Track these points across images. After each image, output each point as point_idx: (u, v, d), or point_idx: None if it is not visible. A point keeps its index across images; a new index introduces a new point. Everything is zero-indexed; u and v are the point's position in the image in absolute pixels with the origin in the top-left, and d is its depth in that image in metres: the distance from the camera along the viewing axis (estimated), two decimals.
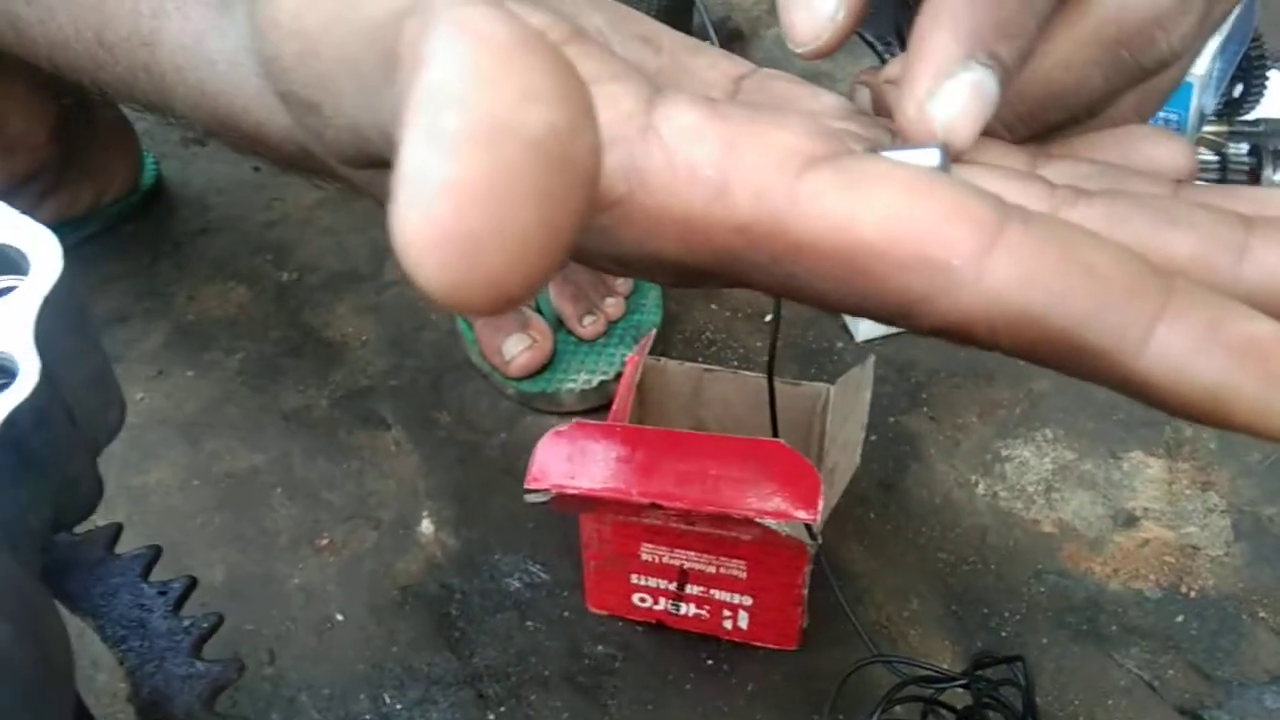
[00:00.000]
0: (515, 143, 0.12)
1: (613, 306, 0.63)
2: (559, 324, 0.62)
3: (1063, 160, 0.21)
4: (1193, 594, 0.53)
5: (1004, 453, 0.59)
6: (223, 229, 0.73)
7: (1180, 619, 0.52)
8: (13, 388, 0.22)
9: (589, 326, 0.62)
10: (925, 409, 0.61)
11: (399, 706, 0.48)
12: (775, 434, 0.47)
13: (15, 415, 0.21)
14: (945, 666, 0.49)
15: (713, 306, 0.67)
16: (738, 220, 0.16)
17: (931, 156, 0.19)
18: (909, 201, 0.15)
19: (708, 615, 0.49)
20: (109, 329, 0.66)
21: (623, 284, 0.64)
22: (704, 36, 0.28)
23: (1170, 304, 0.15)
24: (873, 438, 0.59)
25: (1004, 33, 0.18)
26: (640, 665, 0.50)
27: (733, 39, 0.85)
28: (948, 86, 0.18)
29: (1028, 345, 0.15)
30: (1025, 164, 0.21)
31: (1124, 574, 0.54)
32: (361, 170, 0.19)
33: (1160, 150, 0.21)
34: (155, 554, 0.33)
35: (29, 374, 0.22)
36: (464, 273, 0.12)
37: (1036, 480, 0.58)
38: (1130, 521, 0.55)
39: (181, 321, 0.67)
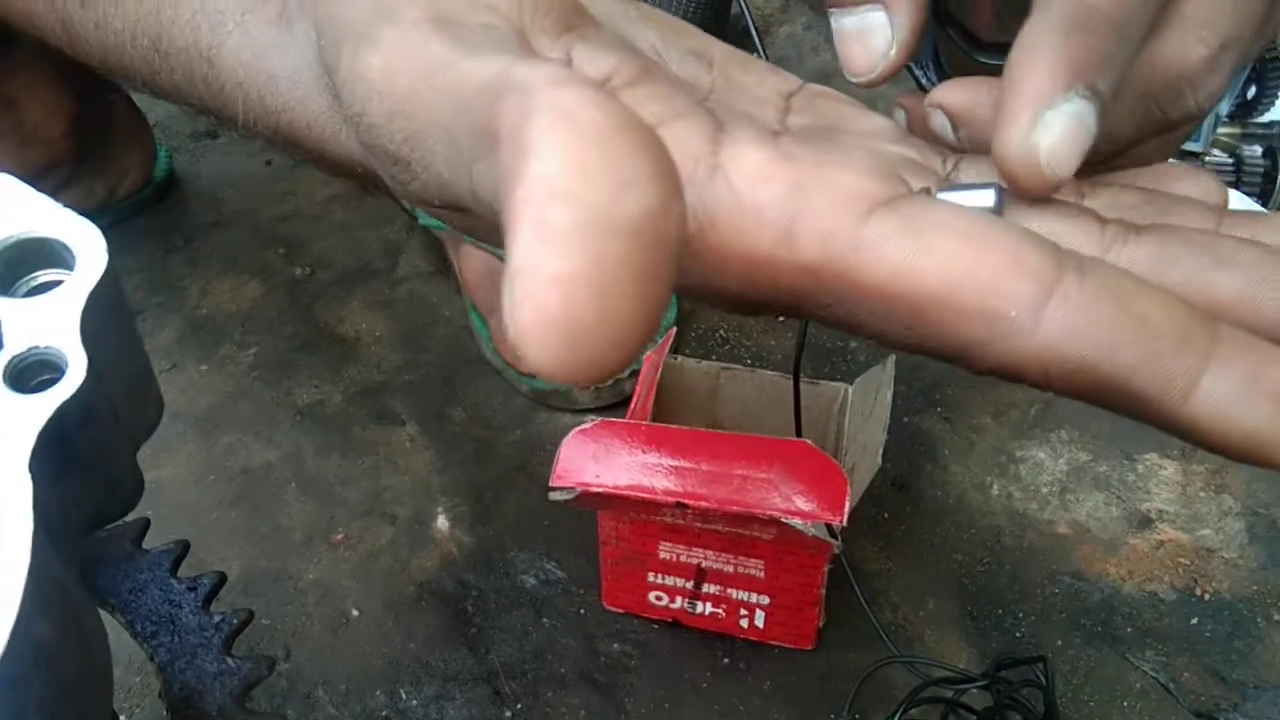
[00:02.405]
0: (618, 233, 0.13)
1: None
2: None
3: (1109, 189, 0.21)
4: (1208, 596, 0.53)
5: (1018, 454, 0.59)
6: (235, 223, 0.73)
7: (1195, 621, 0.52)
8: (61, 383, 0.22)
9: None
10: (939, 409, 0.61)
11: (415, 703, 0.48)
12: (799, 434, 0.47)
13: (63, 411, 0.21)
14: (962, 667, 0.49)
15: None
16: (803, 262, 0.17)
17: (986, 198, 0.19)
18: (969, 251, 0.16)
19: (724, 614, 0.49)
20: None
21: None
22: (742, 35, 0.29)
23: (1216, 352, 0.15)
24: (886, 437, 0.59)
25: (1101, 65, 0.19)
26: (656, 663, 0.50)
27: (745, 36, 0.85)
28: (1049, 118, 0.18)
29: (1079, 389, 0.16)
30: (1073, 194, 0.21)
31: (1139, 576, 0.54)
32: (440, 210, 0.19)
33: (1195, 189, 0.21)
34: (184, 549, 0.33)
35: (77, 369, 0.22)
36: (572, 356, 0.13)
37: (1051, 482, 0.58)
38: (1145, 524, 0.56)
39: (194, 316, 0.67)
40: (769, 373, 0.52)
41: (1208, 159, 0.69)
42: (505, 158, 0.14)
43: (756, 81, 0.23)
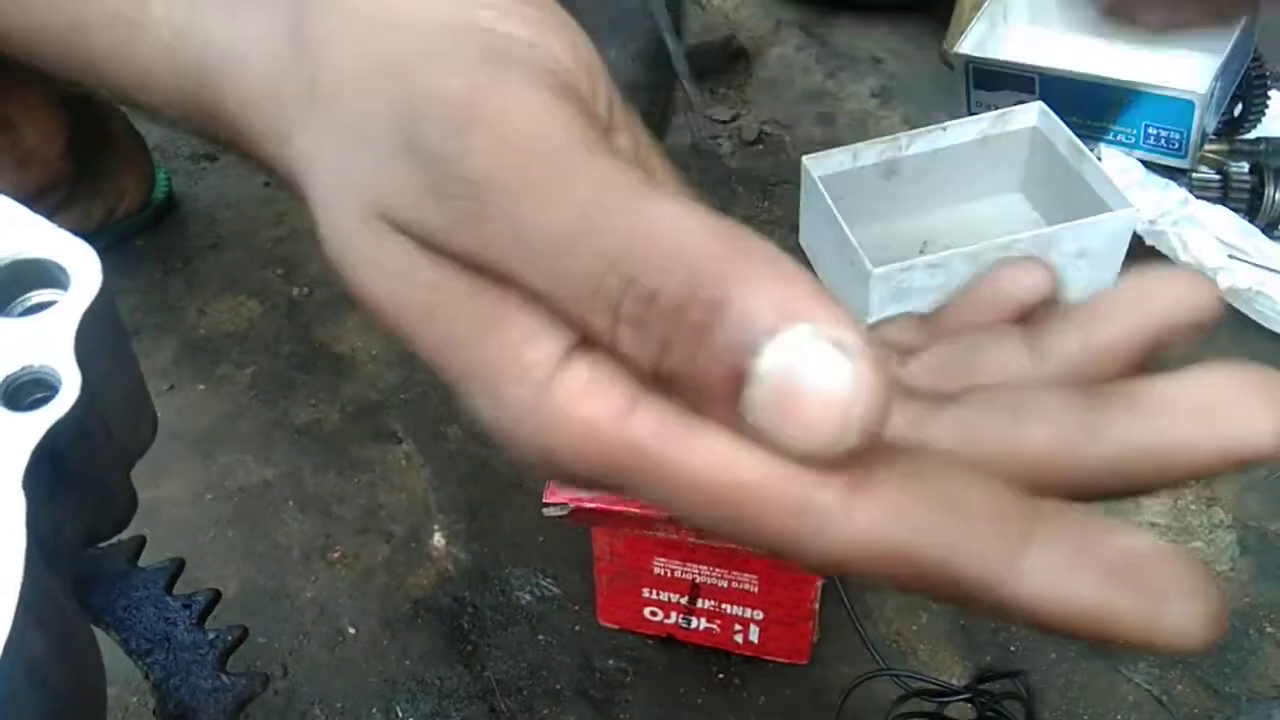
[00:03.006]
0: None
1: None
2: None
3: (919, 356, 0.21)
4: None
5: None
6: (233, 244, 0.74)
7: None
8: (54, 402, 0.22)
9: None
10: None
11: None
12: None
13: (57, 429, 0.22)
14: (952, 680, 0.49)
15: None
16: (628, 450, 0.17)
17: None
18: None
19: (719, 629, 0.49)
20: None
21: None
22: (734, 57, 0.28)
23: (1038, 529, 0.15)
24: None
25: None
26: (652, 679, 0.50)
27: (736, 58, 0.86)
28: None
29: (905, 582, 0.16)
30: (899, 354, 0.21)
31: None
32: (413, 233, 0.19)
33: (1022, 280, 0.21)
34: (179, 567, 0.33)
35: (70, 388, 0.22)
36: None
37: None
38: None
39: (192, 336, 0.67)
40: None
41: (1195, 175, 0.70)
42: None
43: None
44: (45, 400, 0.22)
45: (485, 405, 0.18)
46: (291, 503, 0.58)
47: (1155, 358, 0.19)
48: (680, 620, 0.50)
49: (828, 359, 0.15)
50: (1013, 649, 0.51)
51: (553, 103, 0.18)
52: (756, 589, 0.47)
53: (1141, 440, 0.17)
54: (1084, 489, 0.17)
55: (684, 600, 0.48)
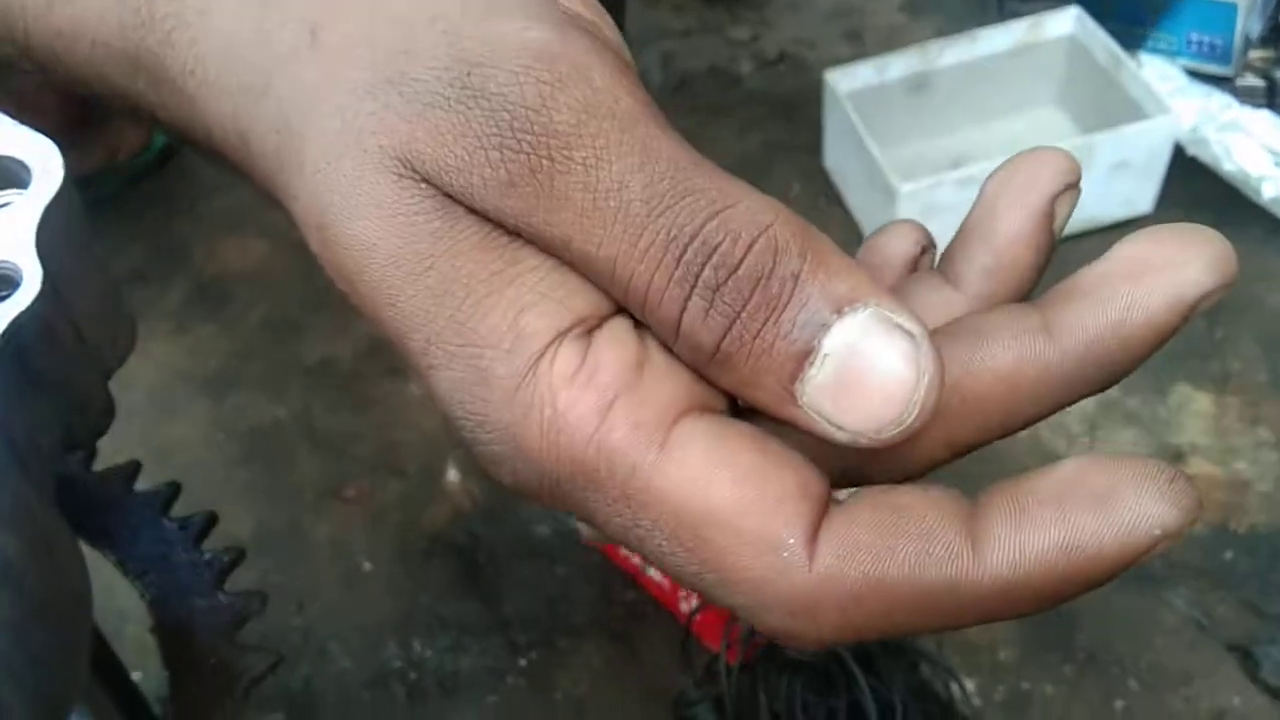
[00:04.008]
0: None
1: None
2: None
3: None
4: (1242, 530, 0.51)
5: None
6: (238, 185, 0.72)
7: (1229, 555, 0.50)
8: (15, 296, 0.21)
9: None
10: None
11: (429, 654, 0.48)
12: None
13: (19, 324, 0.20)
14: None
15: None
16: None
17: None
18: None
19: None
20: (128, 287, 0.66)
21: None
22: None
23: (977, 508, 0.16)
24: None
25: None
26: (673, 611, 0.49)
27: None
28: None
29: (868, 623, 0.16)
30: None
31: None
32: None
33: (905, 236, 0.21)
34: (174, 490, 0.32)
35: (31, 282, 0.21)
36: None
37: (1080, 418, 0.56)
38: (1177, 458, 0.54)
39: (201, 278, 0.66)
40: None
41: (1239, 82, 0.66)
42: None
43: None
44: (5, 296, 0.21)
45: (460, 379, 0.17)
46: (304, 441, 0.57)
47: (1057, 234, 0.19)
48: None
49: (895, 340, 0.15)
50: None
51: (623, 71, 0.17)
52: None
53: (1094, 321, 0.17)
54: (1065, 391, 0.17)
55: None
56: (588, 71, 0.17)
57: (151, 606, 0.29)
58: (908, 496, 0.16)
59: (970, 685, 0.46)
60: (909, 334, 0.15)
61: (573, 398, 0.16)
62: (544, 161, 0.16)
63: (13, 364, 0.21)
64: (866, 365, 0.15)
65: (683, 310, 0.16)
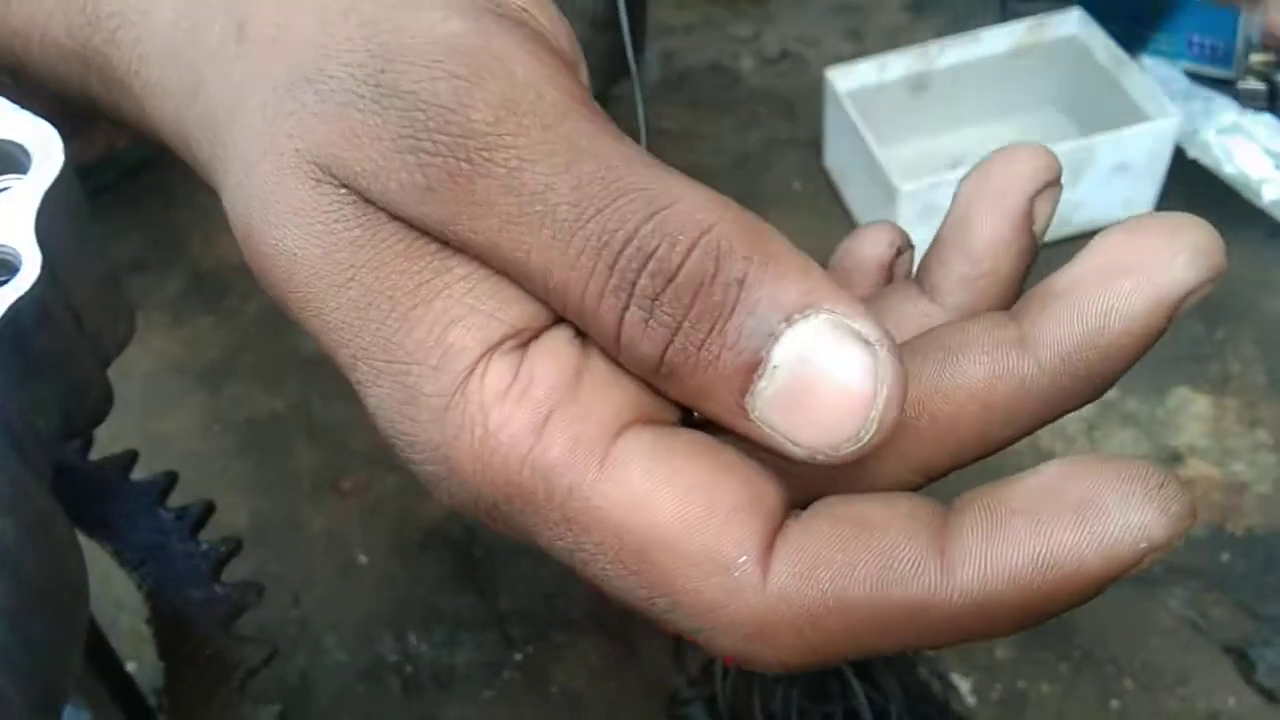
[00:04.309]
0: None
1: None
2: None
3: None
4: (1239, 532, 0.51)
5: None
6: None
7: (1226, 557, 0.50)
8: (14, 281, 0.21)
9: None
10: None
11: (424, 647, 0.48)
12: None
13: (18, 308, 0.20)
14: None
15: None
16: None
17: None
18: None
19: None
20: (126, 277, 0.65)
21: None
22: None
23: (948, 521, 0.14)
24: None
25: None
26: None
27: None
28: None
29: (830, 643, 0.15)
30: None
31: None
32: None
33: (878, 239, 0.20)
34: (171, 480, 0.32)
35: (31, 267, 0.21)
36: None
37: (1078, 419, 0.56)
38: (1175, 459, 0.54)
39: (198, 269, 0.66)
40: None
41: (1240, 85, 0.66)
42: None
43: None
44: (4, 281, 0.21)
45: (388, 396, 0.16)
46: (301, 433, 0.57)
47: (1038, 237, 0.17)
48: None
49: (850, 349, 0.14)
50: None
51: (552, 63, 0.16)
52: None
53: (1070, 331, 0.15)
54: (1044, 408, 0.16)
55: None
56: (509, 64, 0.15)
57: (148, 597, 0.28)
58: (871, 507, 0.15)
59: (966, 684, 0.46)
60: (866, 342, 0.14)
61: (505, 415, 0.15)
62: (463, 164, 0.15)
63: (11, 348, 0.21)
64: (818, 376, 0.14)
65: (620, 322, 0.15)
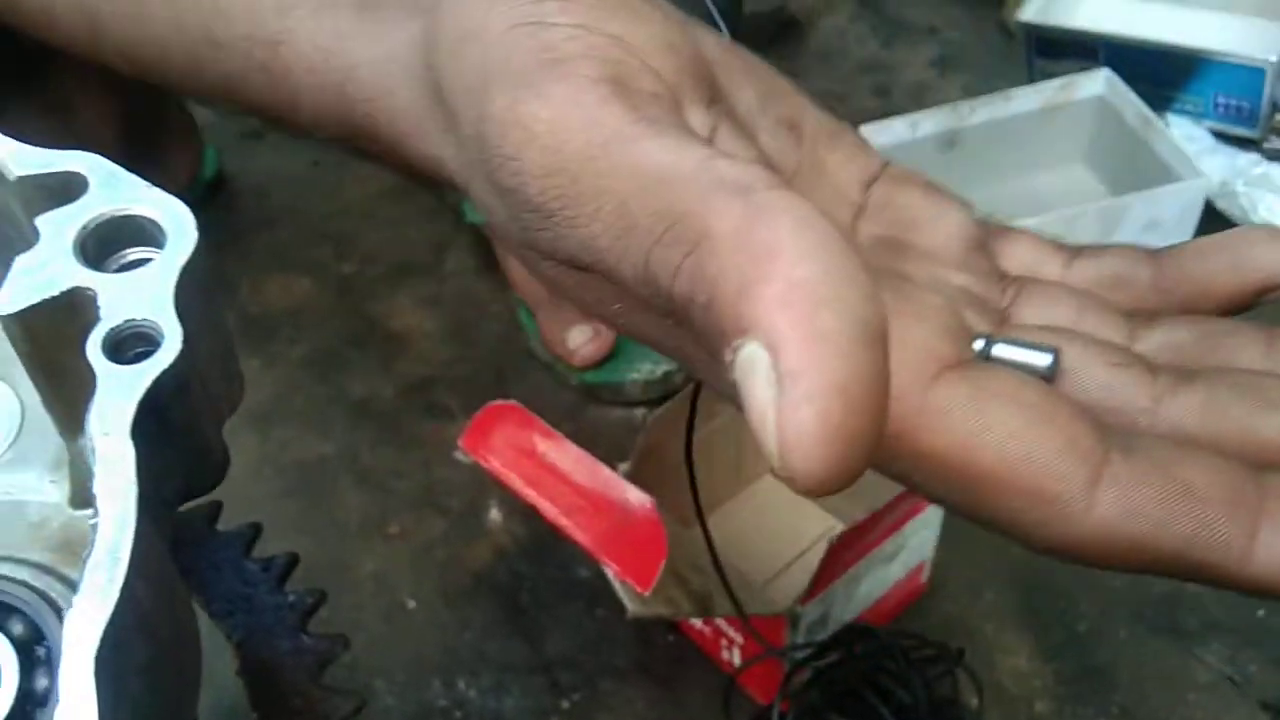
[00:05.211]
0: (877, 341, 0.13)
1: None
2: None
3: (1160, 327, 0.21)
4: None
5: None
6: (284, 221, 0.74)
7: (1262, 614, 0.51)
8: (158, 355, 0.22)
9: None
10: None
11: (473, 693, 0.48)
12: (696, 500, 0.45)
13: (160, 382, 0.21)
14: (1020, 662, 0.48)
15: None
16: None
17: (1043, 359, 0.20)
18: (1027, 431, 0.16)
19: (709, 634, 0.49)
20: None
21: None
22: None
23: (1266, 507, 0.16)
24: None
25: None
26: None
27: (788, 28, 0.84)
28: None
29: (1141, 566, 0.16)
30: (1124, 335, 0.21)
31: None
32: (554, 263, 0.19)
33: (1269, 255, 0.21)
34: (256, 531, 0.33)
35: (173, 341, 0.22)
36: (844, 464, 0.13)
37: None
38: None
39: (245, 312, 0.68)
40: None
41: (1266, 145, 0.68)
42: (731, 256, 0.14)
43: (841, 164, 0.23)
44: (147, 354, 0.22)
45: None
46: (348, 477, 0.58)
47: None
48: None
49: (760, 395, 0.13)
50: (1081, 629, 0.50)
51: (592, 96, 0.17)
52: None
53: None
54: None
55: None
56: (548, 125, 0.18)
57: (237, 648, 0.29)
58: (1200, 471, 0.16)
59: None
60: (785, 382, 0.14)
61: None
62: (542, 232, 0.18)
63: (151, 419, 0.22)
64: (749, 408, 0.14)
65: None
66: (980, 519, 0.17)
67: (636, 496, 0.40)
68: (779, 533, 0.53)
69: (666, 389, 0.60)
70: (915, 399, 0.17)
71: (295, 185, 0.77)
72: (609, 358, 0.60)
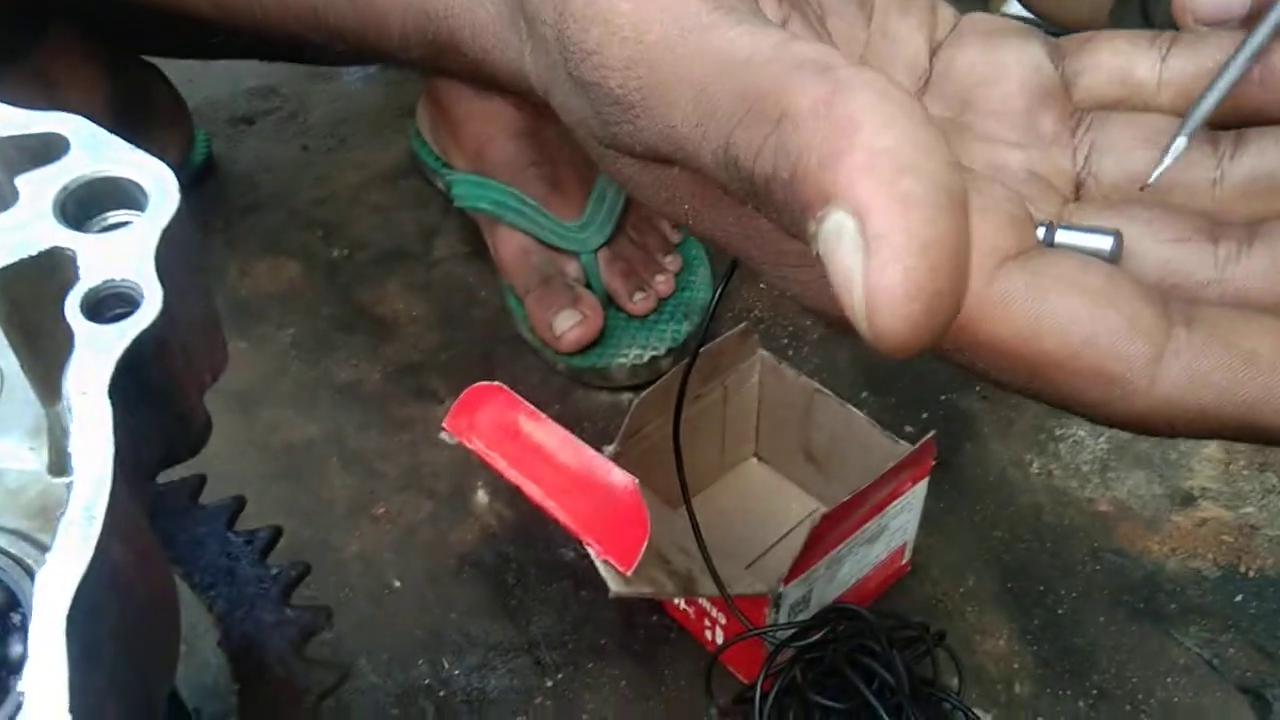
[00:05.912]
0: (959, 205, 0.13)
1: (663, 284, 0.63)
2: (609, 301, 0.62)
3: (1249, 148, 0.21)
4: (1251, 573, 0.52)
5: (1058, 431, 0.58)
6: (273, 206, 0.74)
7: (1240, 598, 0.51)
8: (136, 315, 0.22)
9: (639, 303, 0.62)
10: (978, 388, 0.61)
11: (457, 672, 0.49)
12: (684, 488, 0.45)
13: (139, 342, 0.22)
14: (999, 642, 0.49)
15: (761, 285, 0.67)
16: None
17: (1104, 243, 0.20)
18: (1088, 314, 0.17)
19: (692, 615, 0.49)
20: None
21: (672, 261, 0.64)
22: None
23: None
24: (924, 415, 0.59)
25: None
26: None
27: None
28: None
29: (1206, 433, 0.17)
30: (1211, 164, 0.21)
31: (1182, 553, 0.53)
32: (636, 157, 0.19)
33: None
34: (240, 504, 0.33)
35: (152, 302, 0.22)
36: (927, 322, 0.13)
37: (1091, 459, 0.57)
38: (1187, 501, 0.55)
39: (234, 296, 0.67)
40: (857, 411, 0.50)
41: None
42: (813, 131, 0.15)
43: (911, 30, 0.23)
44: (127, 314, 0.22)
45: None
46: (335, 459, 0.58)
47: None
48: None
49: (846, 261, 0.14)
50: (1060, 612, 0.51)
51: None
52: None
53: None
54: None
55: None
56: (628, 17, 0.19)
57: (219, 620, 0.30)
58: (1262, 335, 0.16)
59: (988, 718, 0.47)
60: (874, 249, 0.15)
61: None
62: (625, 125, 0.19)
63: (130, 380, 0.22)
64: (834, 274, 0.15)
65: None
66: (1045, 400, 0.18)
67: (620, 477, 0.40)
68: (762, 515, 0.53)
69: (653, 374, 0.60)
70: (976, 290, 0.17)
71: (285, 171, 0.76)
72: (596, 343, 0.60)
